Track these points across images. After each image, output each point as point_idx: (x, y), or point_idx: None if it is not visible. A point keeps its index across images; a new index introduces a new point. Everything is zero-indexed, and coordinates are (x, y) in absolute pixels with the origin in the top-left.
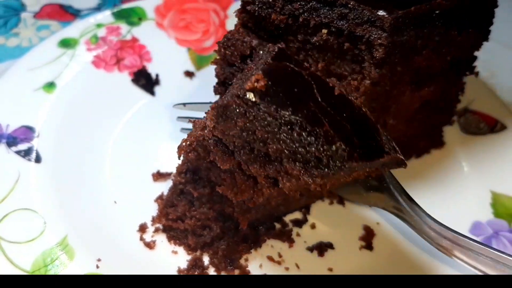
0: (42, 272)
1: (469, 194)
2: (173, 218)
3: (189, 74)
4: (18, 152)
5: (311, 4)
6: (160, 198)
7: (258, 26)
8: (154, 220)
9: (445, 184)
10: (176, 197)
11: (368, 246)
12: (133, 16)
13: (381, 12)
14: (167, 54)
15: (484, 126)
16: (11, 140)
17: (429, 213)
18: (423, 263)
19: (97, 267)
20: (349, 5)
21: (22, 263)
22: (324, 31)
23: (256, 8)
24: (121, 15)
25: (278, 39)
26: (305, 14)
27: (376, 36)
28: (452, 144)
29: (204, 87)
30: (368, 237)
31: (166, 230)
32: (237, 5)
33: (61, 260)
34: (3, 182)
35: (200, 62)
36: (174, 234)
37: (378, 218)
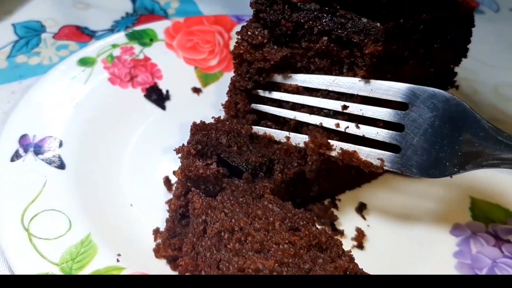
0: (69, 264)
1: (451, 199)
2: (180, 247)
3: (196, 90)
4: (44, 160)
5: (315, 13)
6: (157, 231)
7: (268, 30)
8: (157, 252)
9: (427, 194)
10: (178, 224)
11: (359, 246)
12: (145, 37)
13: (375, 23)
14: (176, 72)
15: None
16: (38, 149)
17: (413, 214)
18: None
19: (118, 260)
20: (348, 16)
21: (52, 257)
22: (325, 38)
23: (267, 15)
24: (134, 36)
25: (283, 46)
26: (310, 22)
27: (369, 43)
28: None
29: (210, 102)
30: (359, 238)
31: (171, 261)
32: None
33: (86, 254)
34: (32, 186)
35: (206, 79)
36: None
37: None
